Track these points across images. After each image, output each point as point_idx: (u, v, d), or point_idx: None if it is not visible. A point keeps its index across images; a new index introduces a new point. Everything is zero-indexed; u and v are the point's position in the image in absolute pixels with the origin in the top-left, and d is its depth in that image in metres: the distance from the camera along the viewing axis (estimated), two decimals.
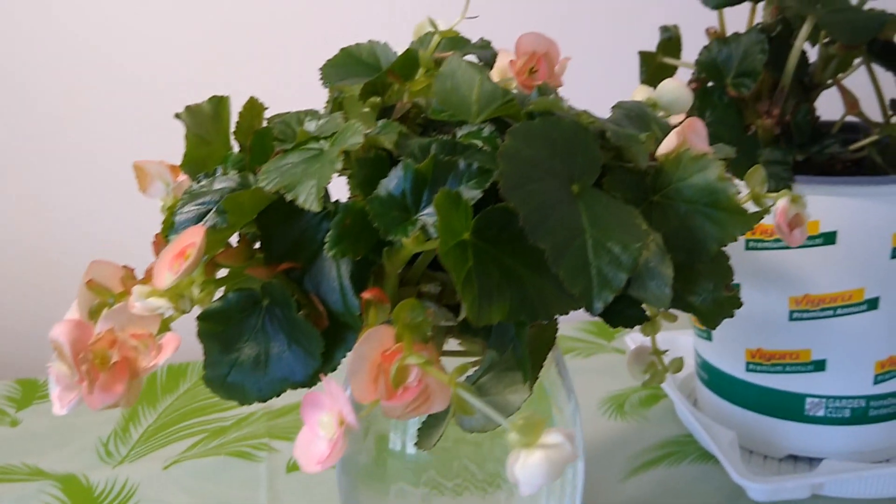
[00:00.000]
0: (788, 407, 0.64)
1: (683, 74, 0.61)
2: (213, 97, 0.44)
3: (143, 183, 0.44)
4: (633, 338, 0.81)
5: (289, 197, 0.35)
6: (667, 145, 0.37)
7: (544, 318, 0.32)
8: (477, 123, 0.38)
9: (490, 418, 0.35)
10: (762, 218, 0.37)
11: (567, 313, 0.33)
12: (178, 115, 0.43)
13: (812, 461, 0.64)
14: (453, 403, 0.35)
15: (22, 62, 0.88)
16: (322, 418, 0.33)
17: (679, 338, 0.82)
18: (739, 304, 0.38)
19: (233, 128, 0.44)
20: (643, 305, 0.38)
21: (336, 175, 0.37)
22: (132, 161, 0.44)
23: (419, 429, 0.39)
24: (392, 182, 0.33)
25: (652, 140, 0.36)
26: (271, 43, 0.93)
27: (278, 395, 0.39)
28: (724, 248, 0.37)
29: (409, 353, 0.30)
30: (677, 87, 0.44)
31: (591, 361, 0.85)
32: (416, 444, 0.38)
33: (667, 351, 0.45)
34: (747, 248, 0.62)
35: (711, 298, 0.37)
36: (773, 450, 0.66)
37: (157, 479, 0.66)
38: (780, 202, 0.37)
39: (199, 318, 0.38)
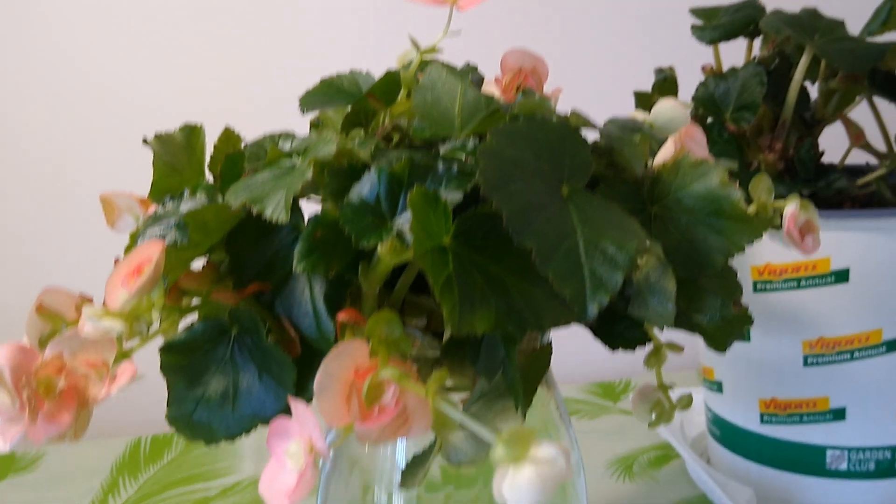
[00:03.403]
0: (808, 461, 0.60)
1: None
2: (185, 126, 0.42)
3: (110, 217, 0.42)
4: None
5: (255, 210, 0.32)
6: (664, 154, 0.35)
7: (535, 328, 0.29)
8: (461, 139, 0.36)
9: (479, 448, 0.31)
10: (769, 225, 0.34)
11: (560, 325, 0.30)
12: (145, 142, 0.40)
13: None
14: (438, 432, 0.32)
15: None
16: (290, 448, 0.29)
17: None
18: (750, 321, 0.35)
19: (207, 160, 0.42)
20: (645, 327, 0.35)
21: (308, 196, 0.35)
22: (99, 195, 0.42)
23: (405, 467, 0.35)
24: (365, 187, 0.30)
25: (646, 143, 0.34)
26: (246, 75, 0.91)
27: (248, 433, 0.35)
28: (730, 263, 0.34)
29: (383, 365, 0.27)
30: (673, 108, 0.41)
31: (597, 423, 0.80)
32: (400, 483, 0.35)
33: (673, 386, 0.42)
34: (755, 291, 0.59)
35: (719, 316, 0.34)
36: None
37: None
38: (789, 208, 0.35)
39: (161, 349, 0.35)
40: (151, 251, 0.30)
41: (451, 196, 0.29)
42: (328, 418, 0.28)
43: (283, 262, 0.35)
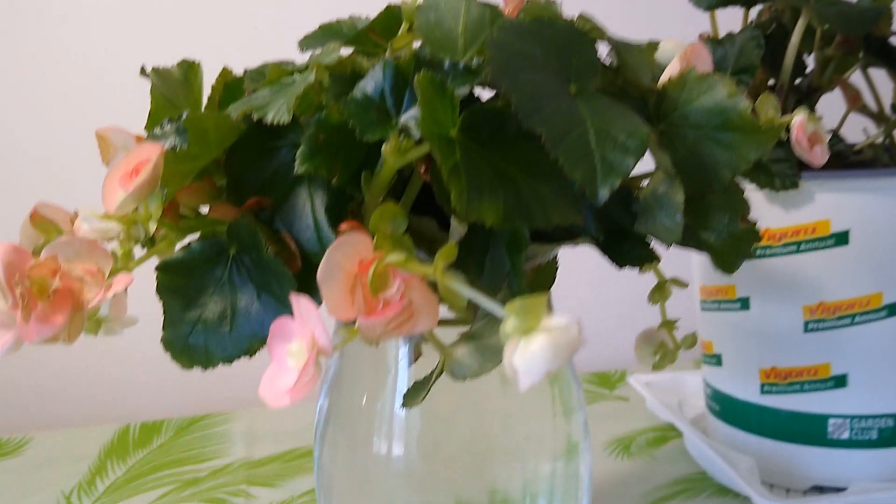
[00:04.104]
0: (809, 431, 0.59)
1: None
2: (183, 61, 0.41)
3: (105, 154, 0.41)
4: (638, 378, 0.77)
5: (256, 115, 0.31)
6: (670, 71, 0.34)
7: (543, 222, 0.28)
8: (464, 59, 0.35)
9: (484, 361, 0.31)
10: (778, 136, 0.34)
11: (569, 222, 0.29)
12: (143, 72, 0.40)
13: (839, 493, 0.59)
14: (443, 355, 0.31)
15: None
16: (291, 347, 0.28)
17: (686, 377, 0.78)
18: (758, 238, 0.34)
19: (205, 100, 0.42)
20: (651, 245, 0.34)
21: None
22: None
23: (408, 389, 0.34)
24: (369, 84, 0.30)
25: (653, 52, 0.34)
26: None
27: (247, 355, 0.34)
28: (737, 179, 0.34)
29: (389, 252, 0.26)
30: (677, 46, 0.41)
31: (593, 409, 0.79)
32: (403, 403, 0.34)
33: (678, 322, 0.41)
34: (755, 257, 0.58)
35: (727, 233, 0.33)
36: (795, 481, 0.60)
37: None
38: (798, 118, 0.34)
39: (158, 268, 0.34)
40: (150, 152, 0.30)
41: (458, 91, 0.29)
42: (332, 311, 0.27)
43: (283, 179, 0.34)
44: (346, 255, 0.27)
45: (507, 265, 0.32)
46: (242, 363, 0.89)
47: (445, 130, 0.28)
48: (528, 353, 0.23)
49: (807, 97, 0.59)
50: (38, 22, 0.84)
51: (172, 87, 0.41)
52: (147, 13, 0.86)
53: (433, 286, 0.27)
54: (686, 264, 0.63)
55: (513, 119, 0.30)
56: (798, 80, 0.60)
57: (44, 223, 0.31)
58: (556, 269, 0.35)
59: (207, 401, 0.87)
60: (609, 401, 0.81)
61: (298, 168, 0.30)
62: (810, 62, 0.62)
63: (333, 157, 0.30)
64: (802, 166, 0.56)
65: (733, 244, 0.34)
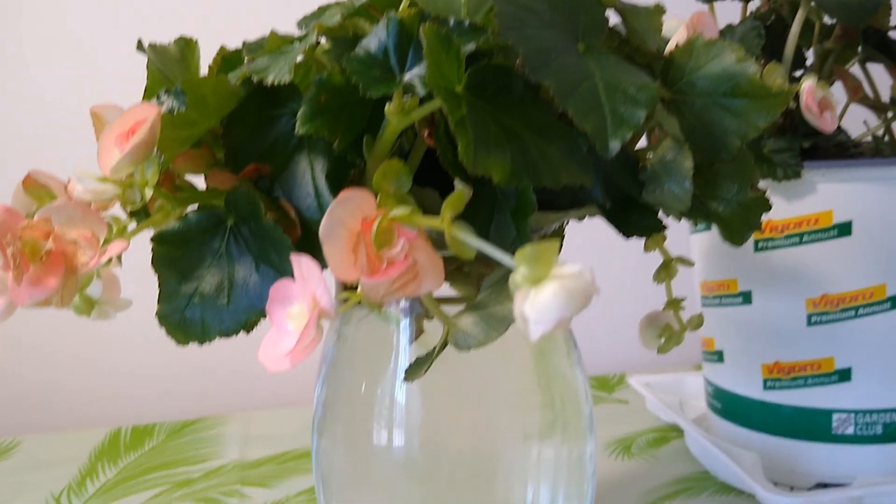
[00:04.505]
0: (813, 426, 0.58)
1: None
2: (180, 38, 0.41)
3: (100, 131, 0.40)
4: (638, 379, 0.76)
5: (256, 78, 0.31)
6: (676, 39, 0.34)
7: (551, 181, 0.27)
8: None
9: (488, 329, 0.30)
10: (787, 103, 0.33)
11: (577, 182, 0.28)
12: (139, 47, 0.39)
13: (845, 487, 0.58)
14: (447, 326, 0.31)
15: None
16: (292, 310, 0.27)
17: (686, 378, 0.77)
18: (769, 207, 0.33)
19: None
20: (660, 215, 0.34)
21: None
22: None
23: (410, 364, 0.33)
24: (372, 41, 0.29)
25: (660, 14, 0.33)
26: None
27: (245, 329, 0.34)
28: (746, 148, 0.33)
29: (393, 207, 0.26)
30: (678, 25, 0.41)
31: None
32: (404, 377, 0.33)
33: (684, 301, 0.40)
34: (757, 250, 0.58)
35: (736, 202, 0.33)
36: (799, 478, 0.59)
37: None
38: (807, 83, 0.34)
39: (153, 239, 0.33)
40: (146, 112, 0.29)
41: (464, 47, 0.28)
42: (335, 270, 0.26)
43: (283, 148, 0.33)
44: (349, 211, 0.26)
45: (512, 232, 0.31)
46: (236, 369, 0.88)
47: (451, 86, 0.27)
48: (539, 300, 0.22)
49: None
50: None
51: (169, 64, 0.40)
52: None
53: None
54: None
55: (519, 79, 0.29)
56: (798, 73, 0.60)
57: (36, 189, 0.31)
58: (563, 238, 0.34)
59: (200, 407, 0.86)
60: (608, 403, 0.80)
61: (299, 129, 0.29)
62: (810, 57, 0.62)
63: (335, 119, 0.30)
64: (805, 156, 0.55)
65: (742, 214, 0.33)
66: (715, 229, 0.60)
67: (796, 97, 0.54)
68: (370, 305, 0.30)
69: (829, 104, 0.34)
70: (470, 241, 0.25)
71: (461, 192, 0.25)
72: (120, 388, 0.86)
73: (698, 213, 0.33)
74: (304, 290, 0.27)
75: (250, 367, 0.89)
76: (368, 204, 0.27)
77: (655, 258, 0.41)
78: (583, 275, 0.22)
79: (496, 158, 0.26)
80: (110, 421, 0.81)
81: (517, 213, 0.30)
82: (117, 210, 0.36)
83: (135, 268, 0.42)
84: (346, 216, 0.26)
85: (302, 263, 0.27)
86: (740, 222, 0.33)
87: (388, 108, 0.29)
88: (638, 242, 0.50)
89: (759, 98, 0.32)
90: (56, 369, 0.85)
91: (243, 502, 0.61)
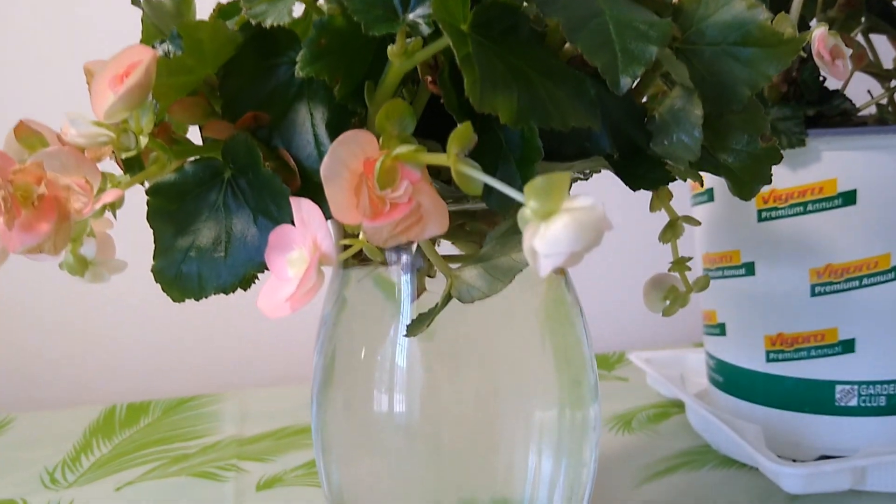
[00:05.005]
0: (816, 398, 0.57)
1: None
2: None
3: None
4: (639, 355, 0.75)
5: (254, 21, 0.30)
6: None
7: (559, 123, 0.27)
8: None
9: (493, 281, 0.29)
10: (799, 49, 0.32)
11: (585, 124, 0.27)
12: (134, 1, 0.38)
13: (848, 458, 0.57)
14: (450, 279, 0.30)
15: None
16: (292, 256, 0.27)
17: (687, 354, 0.76)
18: (779, 158, 0.33)
19: None
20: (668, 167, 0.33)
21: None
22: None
23: (412, 320, 0.33)
24: None
25: None
26: None
27: (242, 285, 0.33)
28: (756, 98, 0.33)
29: (396, 145, 0.25)
30: None
31: None
32: (405, 332, 0.32)
33: (690, 262, 0.40)
34: (760, 220, 0.57)
35: (747, 153, 0.32)
36: (802, 452, 0.59)
37: (108, 499, 0.58)
38: (818, 31, 0.33)
39: (149, 191, 0.33)
40: (141, 54, 0.28)
41: None
42: (336, 212, 0.26)
43: (282, 98, 0.32)
44: (351, 151, 0.25)
45: (518, 181, 0.30)
46: (233, 347, 0.87)
47: (456, 23, 0.26)
48: (549, 234, 0.21)
49: (811, 58, 0.58)
50: None
51: (164, 19, 0.39)
52: None
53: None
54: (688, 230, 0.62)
55: (525, 21, 0.28)
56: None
57: (29, 136, 0.30)
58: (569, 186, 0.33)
59: (197, 386, 0.85)
60: (608, 381, 0.80)
61: (299, 72, 0.28)
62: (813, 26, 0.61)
63: (336, 63, 0.29)
64: (809, 124, 0.55)
65: (753, 166, 0.32)
66: (717, 200, 0.60)
67: (802, 68, 0.54)
68: (371, 252, 0.29)
69: (840, 52, 0.33)
70: (477, 176, 0.24)
71: (467, 124, 0.24)
72: (116, 366, 0.86)
73: (707, 166, 0.33)
74: (305, 234, 0.26)
75: (248, 348, 0.89)
76: (371, 144, 0.26)
77: (655, 239, 0.41)
78: (595, 208, 0.21)
79: (503, 97, 0.26)
80: (106, 399, 0.80)
81: (523, 161, 0.29)
82: (115, 169, 0.35)
83: (134, 246, 0.41)
84: (348, 156, 0.25)
85: (302, 206, 0.26)
86: (750, 175, 0.32)
87: (391, 49, 0.28)
88: (640, 221, 0.50)
89: (770, 46, 0.31)
90: (51, 347, 0.84)
91: (240, 476, 0.60)
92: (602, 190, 0.30)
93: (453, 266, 0.34)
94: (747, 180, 0.33)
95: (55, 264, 0.38)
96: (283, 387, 0.80)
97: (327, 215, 0.27)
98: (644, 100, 0.34)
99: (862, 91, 0.61)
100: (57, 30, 0.82)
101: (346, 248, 0.30)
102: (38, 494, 0.59)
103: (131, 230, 0.40)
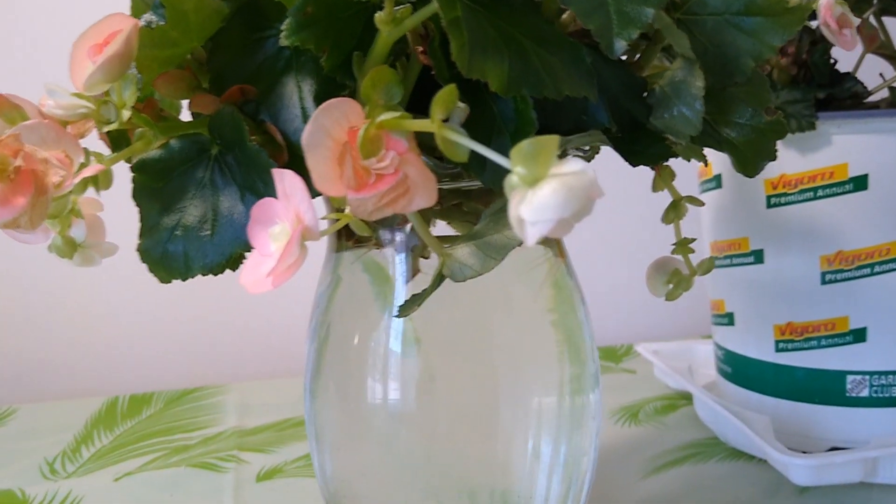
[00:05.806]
0: (827, 389, 0.56)
1: None
2: None
3: None
4: (647, 347, 0.74)
5: None
6: None
7: (552, 93, 0.26)
8: None
9: (485, 260, 0.28)
10: (804, 18, 0.31)
11: (580, 93, 0.26)
12: None
13: (859, 449, 0.56)
14: (442, 258, 0.29)
15: None
16: (274, 230, 0.26)
17: (695, 346, 0.75)
18: (784, 132, 0.31)
19: None
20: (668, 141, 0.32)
21: None
22: None
23: (405, 301, 0.32)
24: None
25: None
26: None
27: (230, 265, 0.32)
28: (760, 71, 0.31)
29: (380, 113, 0.24)
30: None
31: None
32: (397, 313, 0.31)
33: (694, 242, 0.38)
34: (769, 206, 0.56)
35: (750, 128, 0.31)
36: (812, 443, 0.57)
37: (106, 490, 0.57)
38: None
39: (134, 168, 0.32)
40: (122, 23, 0.27)
41: None
42: (319, 184, 0.25)
43: (269, 71, 0.32)
44: (335, 119, 0.24)
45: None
46: (236, 339, 0.86)
47: None
48: (536, 199, 0.20)
49: (822, 40, 0.57)
50: None
51: None
52: None
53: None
54: (696, 218, 0.61)
55: None
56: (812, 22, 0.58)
57: (8, 108, 0.29)
58: None
59: (199, 379, 0.84)
60: (615, 373, 0.79)
61: (283, 41, 0.28)
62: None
63: (323, 32, 0.28)
64: (819, 107, 0.53)
65: (757, 140, 0.31)
66: (725, 186, 0.59)
67: (810, 50, 0.52)
68: (357, 227, 0.28)
69: (848, 21, 0.32)
70: (462, 142, 0.23)
71: (452, 87, 0.23)
72: (119, 358, 0.85)
73: (709, 141, 0.31)
74: (287, 207, 0.25)
75: (250, 340, 0.88)
76: (356, 113, 0.25)
77: (661, 231, 0.40)
78: (585, 172, 0.20)
79: (493, 63, 0.25)
80: (108, 391, 0.79)
81: (517, 134, 0.28)
82: (105, 151, 0.34)
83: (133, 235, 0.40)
84: (332, 124, 0.24)
85: (285, 178, 0.25)
86: (754, 150, 0.31)
87: (379, 16, 0.27)
88: (643, 214, 0.48)
89: (775, 15, 0.30)
90: (53, 339, 0.83)
91: (241, 467, 0.60)
92: (609, 187, 0.29)
93: (447, 246, 0.33)
94: (751, 156, 0.31)
95: (56, 255, 0.38)
96: (285, 379, 0.79)
97: (313, 190, 0.26)
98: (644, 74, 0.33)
99: (874, 74, 0.60)
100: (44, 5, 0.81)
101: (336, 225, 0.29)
102: (36, 485, 0.58)
103: (136, 216, 0.40)
